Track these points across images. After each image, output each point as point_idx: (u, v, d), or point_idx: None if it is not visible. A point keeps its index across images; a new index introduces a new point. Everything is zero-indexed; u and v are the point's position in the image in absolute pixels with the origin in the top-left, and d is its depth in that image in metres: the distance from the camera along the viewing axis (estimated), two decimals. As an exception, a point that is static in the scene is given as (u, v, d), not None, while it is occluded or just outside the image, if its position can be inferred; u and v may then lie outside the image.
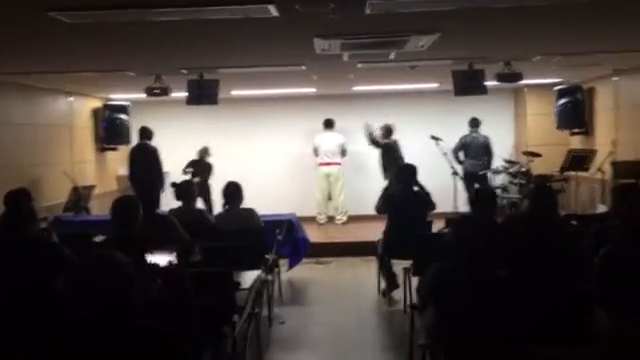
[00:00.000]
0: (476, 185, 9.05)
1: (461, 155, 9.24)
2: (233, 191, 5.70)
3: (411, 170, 6.04)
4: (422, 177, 6.12)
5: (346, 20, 4.02)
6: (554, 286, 3.30)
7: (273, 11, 3.62)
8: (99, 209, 8.33)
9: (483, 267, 2.91)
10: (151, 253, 2.58)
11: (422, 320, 3.58)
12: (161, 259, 2.60)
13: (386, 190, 6.13)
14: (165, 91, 6.87)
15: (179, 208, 5.45)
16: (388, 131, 9.21)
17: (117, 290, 2.03)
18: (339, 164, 9.63)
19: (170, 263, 2.61)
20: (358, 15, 3.79)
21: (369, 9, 3.54)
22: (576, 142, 9.33)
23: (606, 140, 8.20)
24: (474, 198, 4.40)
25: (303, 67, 6.40)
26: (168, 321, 2.27)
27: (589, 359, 2.57)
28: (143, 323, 2.17)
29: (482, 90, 6.75)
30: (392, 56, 5.69)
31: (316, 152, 9.74)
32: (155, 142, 8.50)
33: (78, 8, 3.51)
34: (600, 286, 2.59)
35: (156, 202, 4.92)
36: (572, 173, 8.58)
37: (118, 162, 9.76)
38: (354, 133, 9.56)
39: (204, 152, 9.23)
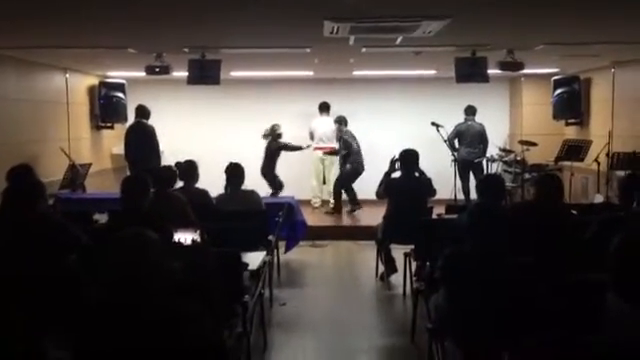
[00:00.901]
0: (470, 173, 9.18)
1: (456, 143, 9.28)
2: (235, 172, 5.69)
3: (413, 156, 6.05)
4: (421, 163, 6.14)
5: (360, 3, 4.00)
6: (563, 273, 3.34)
7: (289, -9, 3.59)
8: (94, 187, 8.28)
9: (498, 253, 2.96)
10: (174, 232, 2.57)
11: (430, 304, 3.63)
12: (185, 238, 2.60)
13: (387, 175, 6.14)
14: (166, 69, 6.80)
15: (181, 188, 5.43)
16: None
17: (147, 268, 2.03)
18: (334, 148, 9.63)
19: (194, 242, 2.61)
20: (373, -2, 3.78)
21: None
22: (571, 132, 9.41)
23: (601, 131, 8.28)
24: (483, 185, 4.42)
25: (308, 50, 6.36)
26: (192, 300, 2.28)
27: (602, 345, 2.62)
28: (169, 302, 2.18)
29: (484, 78, 6.78)
30: (398, 41, 5.69)
31: (312, 136, 9.73)
32: (151, 121, 8.42)
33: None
34: (616, 273, 2.64)
35: (167, 180, 4.86)
36: (567, 163, 8.66)
37: (113, 140, 9.68)
38: (350, 117, 9.53)
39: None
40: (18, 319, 2.75)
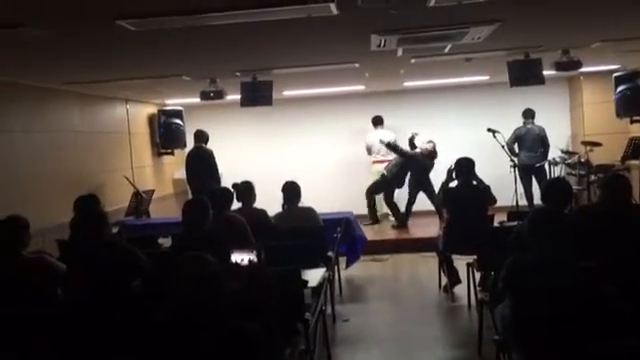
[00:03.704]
0: (533, 178, 8.93)
1: (516, 147, 9.06)
2: (291, 190, 5.76)
3: (469, 164, 5.96)
4: (480, 171, 6.04)
5: (405, 14, 3.99)
6: (633, 277, 3.20)
7: (334, 9, 3.62)
8: (158, 212, 8.54)
9: (564, 259, 2.85)
10: (231, 252, 2.62)
11: (496, 315, 3.53)
12: (242, 258, 2.64)
13: (444, 185, 6.05)
14: (220, 94, 6.96)
15: (239, 209, 5.52)
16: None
17: (209, 291, 2.07)
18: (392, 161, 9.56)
19: (251, 262, 2.64)
20: (419, 8, 3.76)
21: (433, 1, 3.50)
22: (637, 130, 8.99)
23: (670, 126, 7.91)
24: (549, 190, 4.27)
25: (356, 65, 6.39)
26: (251, 320, 2.31)
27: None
28: (230, 322, 2.21)
29: (539, 80, 6.58)
30: (447, 49, 5.63)
31: (369, 151, 9.72)
32: (209, 145, 8.63)
33: (144, 16, 3.59)
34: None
35: (225, 202, 4.96)
36: (635, 162, 8.29)
37: (174, 166, 9.97)
38: (404, 129, 9.47)
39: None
40: (91, 341, 2.85)
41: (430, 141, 8.95)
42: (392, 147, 9.02)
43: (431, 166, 8.92)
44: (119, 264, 3.52)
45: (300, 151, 10.49)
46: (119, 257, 3.59)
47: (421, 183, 8.96)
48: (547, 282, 2.83)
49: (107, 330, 2.87)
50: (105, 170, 7.91)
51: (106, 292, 3.27)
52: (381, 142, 9.21)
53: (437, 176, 8.57)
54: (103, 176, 7.77)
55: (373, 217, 9.35)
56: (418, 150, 8.93)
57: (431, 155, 8.88)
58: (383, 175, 9.05)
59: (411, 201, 9.12)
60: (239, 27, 3.97)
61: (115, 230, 4.59)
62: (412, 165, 8.91)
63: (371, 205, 9.33)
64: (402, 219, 9.06)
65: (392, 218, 9.39)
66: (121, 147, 8.55)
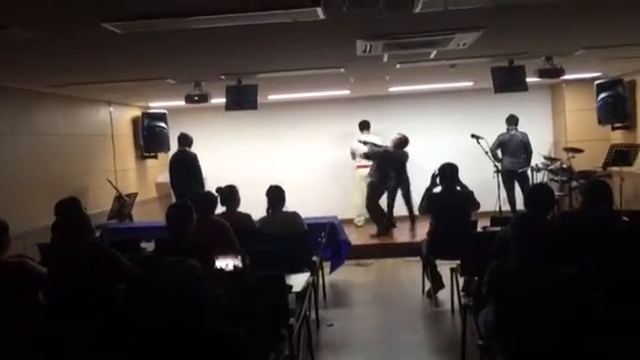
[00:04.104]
0: (516, 183, 9.01)
1: (499, 153, 9.14)
2: (276, 194, 5.75)
3: (452, 170, 5.99)
4: (463, 176, 6.08)
5: (391, 20, 4.01)
6: (616, 282, 3.23)
7: (321, 14, 3.63)
8: (141, 216, 8.47)
9: (546, 264, 2.88)
10: (215, 257, 2.60)
11: (479, 320, 3.55)
12: (226, 263, 2.63)
13: (428, 190, 6.08)
14: (205, 97, 6.93)
15: (223, 213, 5.50)
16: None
17: (194, 296, 2.06)
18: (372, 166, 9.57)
19: (235, 267, 2.63)
20: (405, 14, 3.78)
21: (420, 7, 3.52)
22: (618, 137, 9.13)
23: (650, 134, 8.03)
24: (531, 196, 4.31)
25: (342, 69, 6.40)
26: (235, 325, 2.29)
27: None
28: (215, 327, 2.20)
29: (523, 86, 6.64)
30: (432, 55, 5.66)
31: (353, 155, 9.73)
32: (193, 148, 8.59)
33: (131, 18, 3.57)
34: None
35: (209, 206, 4.94)
36: (616, 169, 8.41)
37: (158, 169, 9.91)
38: (390, 134, 9.50)
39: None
40: (72, 346, 2.82)
41: (399, 133, 9.02)
42: (367, 156, 9.05)
43: (405, 156, 8.97)
44: (101, 268, 3.48)
45: (285, 155, 10.48)
46: (101, 261, 3.55)
47: (400, 179, 8.98)
48: (529, 287, 2.86)
49: (90, 334, 2.83)
50: (88, 173, 7.83)
51: (88, 296, 3.23)
52: (359, 141, 9.19)
53: (421, 181, 8.61)
54: (86, 179, 7.69)
55: (382, 228, 8.96)
56: (389, 144, 8.96)
57: (401, 143, 8.90)
58: (370, 182, 9.03)
59: (390, 205, 9.09)
60: (225, 31, 3.96)
61: (97, 234, 4.54)
62: (389, 161, 8.90)
63: (378, 215, 9.03)
64: (383, 228, 8.95)
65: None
66: (104, 150, 8.47)
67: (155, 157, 9.68)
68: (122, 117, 9.18)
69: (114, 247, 4.29)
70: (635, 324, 2.87)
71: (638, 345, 2.69)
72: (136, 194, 8.27)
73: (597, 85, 9.03)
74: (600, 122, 9.15)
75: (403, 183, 9.04)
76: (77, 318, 3.05)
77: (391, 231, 9.02)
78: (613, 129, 9.17)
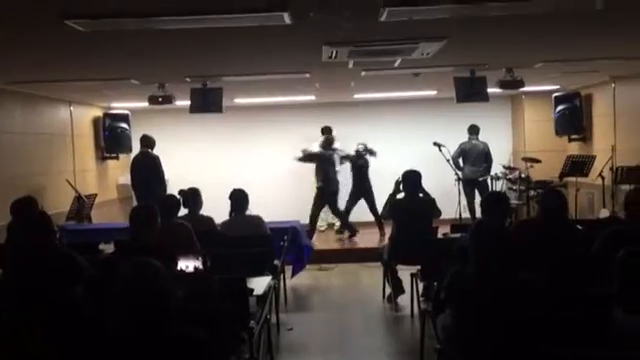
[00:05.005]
0: (476, 191, 9.18)
1: (460, 162, 9.30)
2: (239, 198, 5.73)
3: (415, 177, 6.07)
4: (426, 184, 6.16)
5: (357, 27, 4.06)
6: (570, 288, 3.33)
7: (287, 19, 3.65)
8: (100, 217, 8.33)
9: (503, 271, 2.95)
10: (176, 260, 2.59)
11: (437, 324, 3.61)
12: (187, 265, 2.61)
13: (391, 197, 6.15)
14: (169, 99, 6.87)
15: (186, 215, 5.45)
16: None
17: (157, 298, 2.04)
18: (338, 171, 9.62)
19: (196, 269, 2.62)
20: (371, 22, 3.83)
21: (385, 16, 3.57)
22: (574, 148, 9.41)
23: (604, 146, 8.29)
24: (487, 203, 4.42)
25: (307, 75, 6.43)
26: (196, 327, 2.29)
27: (607, 359, 2.60)
28: (176, 329, 2.19)
29: (484, 97, 6.80)
30: (397, 64, 5.74)
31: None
32: (156, 150, 8.49)
33: (94, 16, 3.53)
34: (620, 287, 2.64)
35: (172, 209, 4.91)
36: (572, 179, 8.66)
37: (119, 171, 9.75)
38: (353, 141, 9.57)
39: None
40: (29, 350, 2.76)
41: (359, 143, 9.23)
42: (303, 158, 9.07)
43: (366, 164, 9.14)
44: (59, 270, 3.41)
45: (249, 159, 10.45)
46: (59, 262, 3.48)
47: (362, 188, 9.13)
48: (487, 293, 2.92)
49: (47, 337, 2.78)
50: (46, 173, 7.67)
51: (45, 298, 3.17)
52: (303, 151, 9.16)
53: (384, 187, 8.70)
54: (43, 179, 7.52)
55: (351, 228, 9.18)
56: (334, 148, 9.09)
57: (327, 142, 9.04)
58: (319, 187, 9.05)
59: (348, 210, 9.19)
60: (191, 32, 3.94)
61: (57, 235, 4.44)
62: (328, 164, 8.96)
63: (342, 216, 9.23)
64: (352, 228, 9.09)
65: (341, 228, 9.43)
66: (63, 150, 8.30)
67: (116, 158, 9.54)
68: (83, 117, 9.02)
69: (72, 249, 4.23)
70: (591, 328, 2.96)
71: (594, 349, 2.77)
72: (95, 195, 8.13)
73: (555, 97, 9.30)
74: (557, 133, 9.43)
75: (367, 194, 9.10)
76: (34, 321, 2.98)
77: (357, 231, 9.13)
78: (570, 140, 9.45)
